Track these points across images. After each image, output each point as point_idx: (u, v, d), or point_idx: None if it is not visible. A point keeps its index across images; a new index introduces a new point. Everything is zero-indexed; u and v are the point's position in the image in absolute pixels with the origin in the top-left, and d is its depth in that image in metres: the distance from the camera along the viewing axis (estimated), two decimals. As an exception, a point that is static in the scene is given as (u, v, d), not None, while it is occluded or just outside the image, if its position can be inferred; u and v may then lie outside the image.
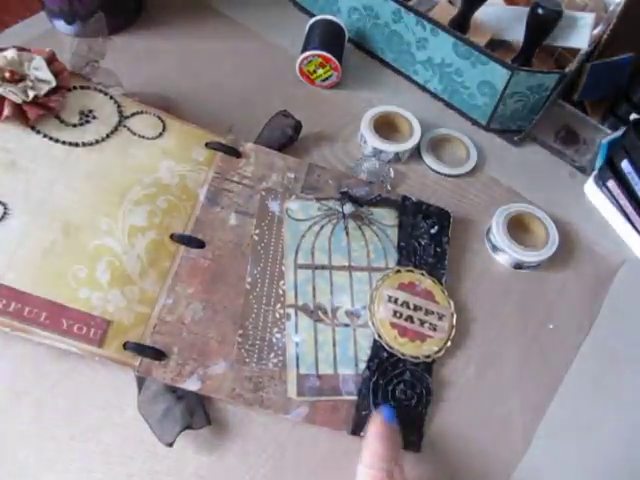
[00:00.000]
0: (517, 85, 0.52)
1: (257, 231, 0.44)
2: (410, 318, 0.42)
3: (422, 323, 0.42)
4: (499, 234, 0.48)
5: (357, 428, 0.38)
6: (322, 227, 0.45)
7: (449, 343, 0.42)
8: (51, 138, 0.42)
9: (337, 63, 0.56)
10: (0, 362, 0.38)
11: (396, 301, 0.43)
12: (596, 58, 0.57)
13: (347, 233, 0.45)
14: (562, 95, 0.58)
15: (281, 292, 0.42)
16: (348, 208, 0.47)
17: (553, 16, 0.52)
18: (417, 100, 0.59)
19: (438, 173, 0.54)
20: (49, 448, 0.36)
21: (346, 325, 0.42)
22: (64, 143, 0.42)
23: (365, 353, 0.41)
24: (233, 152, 0.47)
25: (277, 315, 0.41)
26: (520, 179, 0.54)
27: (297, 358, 0.40)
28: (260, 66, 0.59)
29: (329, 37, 0.58)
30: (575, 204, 0.54)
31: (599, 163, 0.54)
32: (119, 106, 0.45)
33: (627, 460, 0.41)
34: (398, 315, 0.42)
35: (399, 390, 0.40)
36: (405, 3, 0.55)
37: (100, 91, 0.45)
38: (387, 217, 0.47)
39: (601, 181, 0.53)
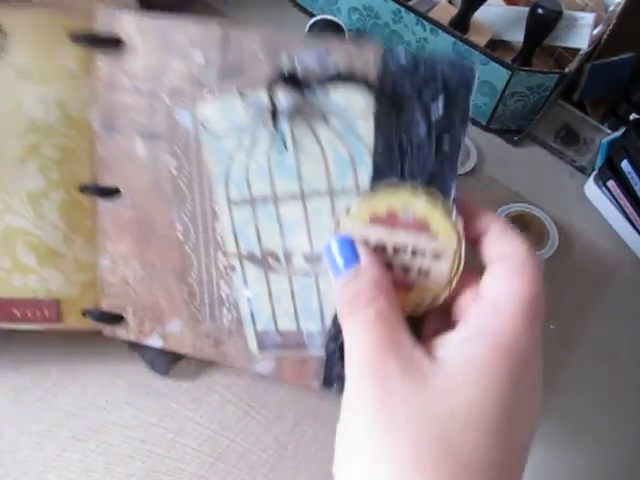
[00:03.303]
0: (517, 85, 0.52)
1: (173, 161, 0.32)
2: (388, 265, 0.28)
3: (406, 271, 0.28)
4: (499, 234, 0.48)
5: (327, 382, 0.34)
6: (256, 138, 0.30)
7: (453, 285, 0.28)
8: None
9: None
10: (0, 362, 0.38)
11: (366, 243, 0.28)
12: (596, 58, 0.57)
13: (285, 143, 0.30)
14: (562, 95, 0.58)
15: (219, 239, 0.33)
16: (286, 99, 0.29)
17: (553, 16, 0.52)
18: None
19: (438, 173, 0.54)
20: (49, 448, 0.36)
21: (306, 273, 0.32)
22: None
23: (333, 305, 0.32)
24: (111, 41, 0.31)
25: (220, 267, 0.34)
26: (520, 179, 0.54)
27: (252, 315, 0.34)
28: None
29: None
30: (575, 204, 0.54)
31: (599, 163, 0.54)
32: None
33: (627, 461, 0.41)
34: None
35: None
36: (405, 3, 0.55)
37: None
38: (355, 104, 0.29)
39: (601, 181, 0.53)
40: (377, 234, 0.28)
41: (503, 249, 0.26)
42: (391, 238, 0.28)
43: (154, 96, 0.31)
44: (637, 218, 0.50)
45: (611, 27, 0.56)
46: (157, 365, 0.38)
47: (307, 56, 0.28)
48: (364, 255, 0.26)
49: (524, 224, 0.50)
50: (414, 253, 0.28)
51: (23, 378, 0.38)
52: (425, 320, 0.29)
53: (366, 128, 0.29)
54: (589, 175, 0.55)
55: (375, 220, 0.28)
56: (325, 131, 0.29)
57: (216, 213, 0.32)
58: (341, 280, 0.26)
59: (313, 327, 0.33)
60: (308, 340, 0.34)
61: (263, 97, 0.29)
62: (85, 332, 0.36)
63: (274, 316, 0.34)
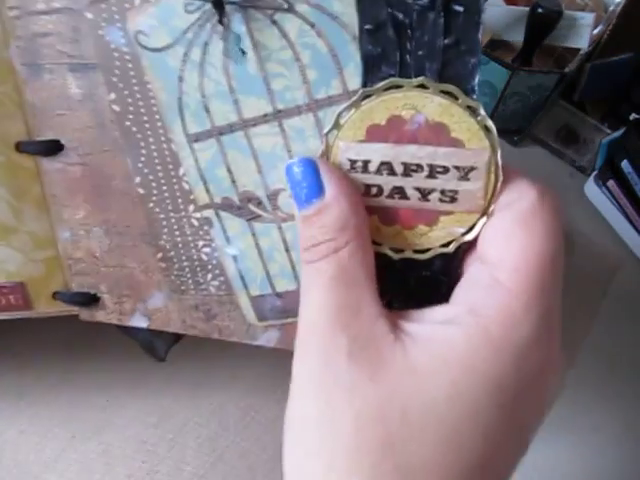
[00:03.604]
0: (517, 85, 0.52)
1: (112, 96, 0.26)
2: (399, 192, 0.22)
3: (424, 197, 0.21)
4: (499, 234, 0.48)
5: None
6: (206, 46, 0.24)
7: (490, 209, 0.21)
8: None
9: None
10: (0, 361, 0.38)
11: (366, 166, 0.21)
12: (596, 58, 0.57)
13: (240, 47, 0.23)
14: (562, 95, 0.58)
15: (186, 187, 0.27)
16: None
17: (553, 16, 0.52)
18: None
19: (438, 173, 0.54)
20: (49, 448, 0.36)
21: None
22: None
23: None
24: None
25: (194, 222, 0.28)
26: (520, 179, 0.54)
27: (241, 277, 0.29)
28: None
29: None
30: (575, 204, 0.54)
31: (599, 163, 0.54)
32: None
33: (627, 461, 0.41)
34: (375, 191, 0.22)
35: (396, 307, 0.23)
36: (405, 3, 0.55)
37: None
38: None
39: (601, 181, 0.53)
40: (379, 152, 0.21)
41: (509, 195, 0.20)
42: (398, 154, 0.21)
43: (76, 14, 0.25)
44: (637, 218, 0.50)
45: (611, 27, 0.56)
46: (154, 347, 0.34)
47: None
48: (330, 186, 0.20)
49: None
50: (432, 172, 0.21)
51: (23, 378, 0.38)
52: (463, 262, 0.22)
53: (347, 4, 0.21)
54: (589, 175, 0.55)
55: (374, 133, 0.21)
56: (292, 21, 0.22)
57: (176, 155, 0.27)
58: (301, 215, 0.20)
59: None
60: None
61: None
62: (59, 317, 0.33)
63: (269, 276, 0.28)
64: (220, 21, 0.23)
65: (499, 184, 0.21)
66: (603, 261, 0.50)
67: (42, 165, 0.29)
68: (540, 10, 0.51)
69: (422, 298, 0.21)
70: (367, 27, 0.21)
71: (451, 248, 0.22)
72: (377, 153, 0.21)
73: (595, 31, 0.57)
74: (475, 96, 0.21)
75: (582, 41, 0.56)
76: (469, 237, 0.21)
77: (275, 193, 0.26)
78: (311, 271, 0.20)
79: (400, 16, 0.20)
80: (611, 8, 0.58)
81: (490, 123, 0.20)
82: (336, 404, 0.18)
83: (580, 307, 0.47)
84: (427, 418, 0.17)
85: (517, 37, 0.57)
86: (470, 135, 0.20)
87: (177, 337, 0.33)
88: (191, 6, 0.23)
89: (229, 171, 0.26)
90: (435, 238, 0.22)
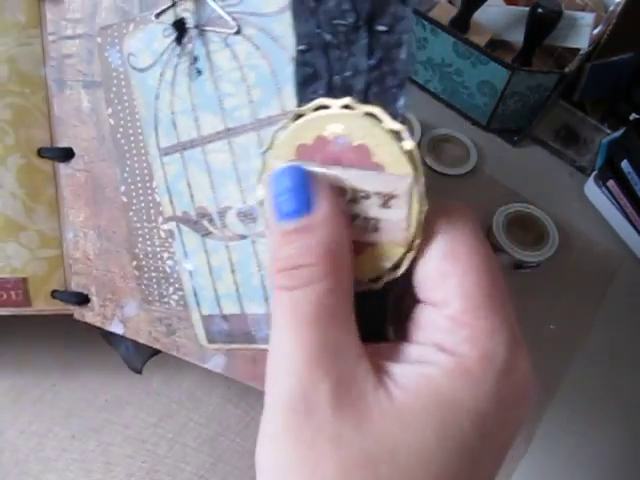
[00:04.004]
0: (517, 85, 0.52)
1: (109, 110, 0.29)
2: None
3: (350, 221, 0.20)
4: (499, 234, 0.48)
5: None
6: (176, 67, 0.26)
7: (416, 243, 0.19)
8: None
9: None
10: (0, 361, 0.38)
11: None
12: (596, 58, 0.57)
13: (196, 63, 0.25)
14: (562, 95, 0.58)
15: (157, 199, 0.29)
16: (194, 8, 0.25)
17: (553, 16, 0.52)
18: (417, 100, 0.59)
19: (438, 173, 0.54)
20: (49, 448, 0.36)
21: (242, 237, 0.27)
22: None
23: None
24: None
25: (162, 234, 0.29)
26: (520, 179, 0.54)
27: (195, 294, 0.29)
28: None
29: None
30: (575, 204, 0.54)
31: (599, 163, 0.54)
32: None
33: (627, 461, 0.41)
34: None
35: None
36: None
37: None
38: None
39: (601, 181, 0.53)
40: None
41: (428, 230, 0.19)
42: (324, 175, 0.19)
43: (90, 39, 0.29)
44: (637, 218, 0.50)
45: (611, 27, 0.56)
46: (132, 359, 0.35)
47: None
48: (322, 204, 0.18)
49: (524, 224, 0.50)
50: (355, 196, 0.19)
51: (23, 378, 0.38)
52: (394, 297, 0.21)
53: (286, 26, 0.22)
54: (589, 175, 0.55)
55: (303, 153, 0.20)
56: (242, 44, 0.24)
57: (151, 167, 0.28)
58: (280, 228, 0.18)
59: (257, 309, 0.27)
60: (253, 327, 0.28)
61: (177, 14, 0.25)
62: (55, 316, 0.34)
63: (217, 296, 0.28)
64: (178, 41, 0.25)
65: (423, 213, 0.19)
66: (603, 261, 0.50)
67: (58, 169, 0.32)
68: (540, 10, 0.51)
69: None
70: (300, 48, 0.21)
71: (379, 284, 0.20)
72: None
73: (595, 31, 0.57)
74: (400, 119, 0.19)
75: (582, 41, 0.56)
76: (397, 274, 0.20)
77: (224, 210, 0.27)
78: (285, 300, 0.17)
79: (328, 37, 0.20)
80: (611, 8, 0.58)
81: (415, 150, 0.19)
82: (320, 450, 0.16)
83: (580, 307, 0.47)
84: (417, 458, 0.16)
85: (517, 37, 0.57)
86: (392, 160, 0.19)
87: (155, 351, 0.34)
88: (167, 31, 0.26)
89: (189, 185, 0.27)
90: (362, 271, 0.20)
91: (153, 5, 0.26)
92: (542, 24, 0.53)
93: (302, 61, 0.21)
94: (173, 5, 0.25)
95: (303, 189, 0.18)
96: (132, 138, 0.29)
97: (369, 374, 0.17)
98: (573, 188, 0.55)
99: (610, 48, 0.57)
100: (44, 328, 0.38)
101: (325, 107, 0.20)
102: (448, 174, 0.53)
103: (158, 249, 0.30)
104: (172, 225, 0.29)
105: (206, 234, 0.28)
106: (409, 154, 0.19)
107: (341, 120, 0.19)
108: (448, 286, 0.18)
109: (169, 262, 0.30)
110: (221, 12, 0.24)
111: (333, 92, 0.21)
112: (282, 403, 0.17)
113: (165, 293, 0.30)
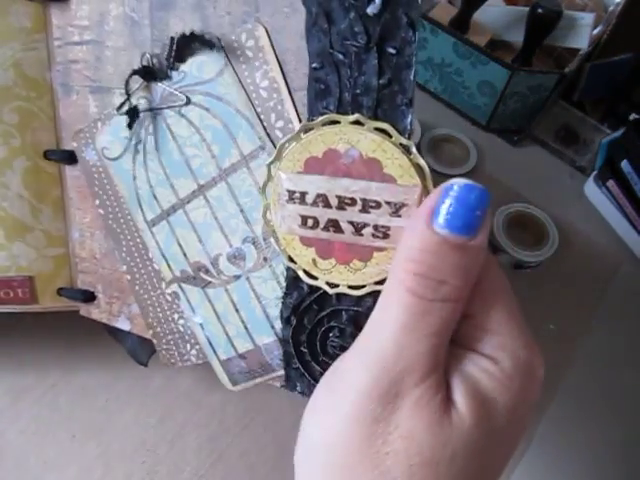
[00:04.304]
0: (517, 85, 0.52)
1: (97, 202, 0.33)
2: (334, 224, 0.22)
3: (358, 229, 0.22)
4: (499, 234, 0.48)
5: (289, 383, 0.30)
6: (144, 146, 0.30)
7: None
8: None
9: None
10: (0, 361, 0.38)
11: (303, 197, 0.22)
12: (596, 58, 0.57)
13: (153, 141, 0.29)
14: (562, 95, 0.58)
15: (156, 267, 0.32)
16: (148, 94, 0.29)
17: (553, 16, 0.52)
18: (417, 100, 0.59)
19: (438, 173, 0.54)
20: (49, 448, 0.36)
21: (237, 277, 0.29)
22: None
23: (276, 306, 0.28)
24: None
25: (168, 298, 0.32)
26: (520, 179, 0.54)
27: (210, 343, 0.31)
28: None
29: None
30: (575, 204, 0.54)
31: (599, 163, 0.54)
32: None
33: (626, 461, 0.41)
34: (311, 223, 0.22)
35: (332, 341, 0.26)
36: (405, 3, 0.55)
37: None
38: (207, 68, 0.27)
39: (601, 181, 0.53)
40: (315, 184, 0.21)
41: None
42: (333, 187, 0.21)
43: (98, 45, 0.31)
44: (637, 218, 0.50)
45: (611, 27, 0.56)
46: (138, 353, 0.36)
47: None
48: (484, 231, 0.18)
49: (524, 224, 0.50)
50: (365, 206, 0.21)
51: (23, 378, 0.38)
52: None
53: (226, 85, 0.26)
54: (589, 175, 0.55)
55: (311, 165, 0.21)
56: (193, 111, 0.28)
57: (144, 241, 0.31)
58: (438, 236, 0.18)
59: (267, 339, 0.30)
60: (268, 355, 0.30)
61: (132, 100, 0.29)
62: (56, 316, 0.35)
63: (229, 339, 0.31)
64: (130, 125, 0.29)
65: None
66: (603, 261, 0.50)
67: (64, 171, 0.34)
68: (540, 10, 0.51)
69: (353, 334, 0.23)
70: (313, 65, 0.23)
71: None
72: (313, 185, 0.22)
73: (595, 31, 0.57)
74: (407, 135, 0.21)
75: (582, 41, 0.56)
76: None
77: (216, 258, 0.29)
78: (414, 304, 0.18)
79: (340, 56, 0.22)
80: (611, 8, 0.58)
81: (422, 162, 0.21)
82: (392, 445, 0.18)
83: (580, 307, 0.47)
84: (470, 460, 0.18)
85: (517, 37, 0.57)
86: (402, 172, 0.21)
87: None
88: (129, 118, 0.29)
89: (180, 246, 0.30)
90: (369, 274, 0.22)
91: (163, 9, 0.28)
92: (542, 24, 0.53)
93: (315, 77, 0.23)
94: (128, 98, 0.28)
95: (482, 213, 0.18)
96: (122, 220, 0.32)
97: (445, 386, 0.19)
98: (573, 188, 0.55)
99: (610, 48, 0.57)
100: (45, 329, 0.38)
101: (335, 122, 0.21)
102: (448, 174, 0.53)
103: (168, 312, 0.32)
104: (174, 287, 0.32)
105: (205, 285, 0.30)
106: (416, 164, 0.20)
107: (352, 135, 0.21)
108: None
109: (180, 321, 0.32)
110: (170, 90, 0.28)
111: (343, 108, 0.22)
112: (376, 389, 0.18)
113: (184, 352, 0.33)
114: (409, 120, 0.21)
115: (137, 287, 0.33)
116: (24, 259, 0.34)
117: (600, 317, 0.47)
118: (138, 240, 0.32)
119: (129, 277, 0.33)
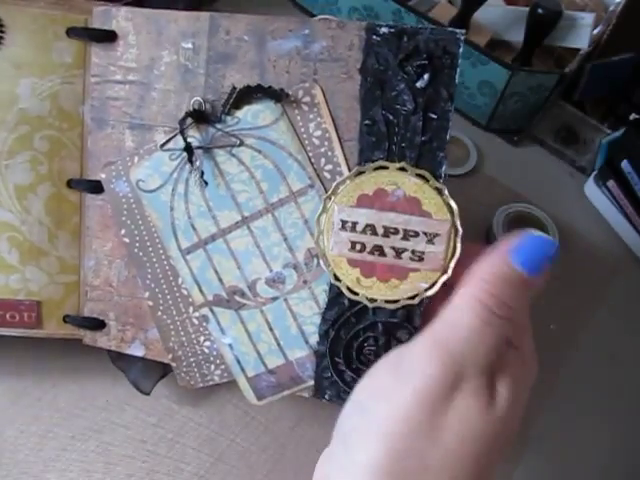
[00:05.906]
0: (517, 85, 0.52)
1: (123, 231, 0.34)
2: (379, 249, 0.28)
3: (399, 253, 0.27)
4: (499, 234, 0.48)
5: (319, 391, 0.32)
6: (187, 181, 0.32)
7: (449, 270, 0.27)
8: None
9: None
10: (0, 362, 0.38)
11: (354, 227, 0.28)
12: (596, 58, 0.57)
13: (203, 178, 0.31)
14: (562, 95, 0.58)
15: (185, 292, 0.33)
16: (199, 135, 0.31)
17: (553, 16, 0.52)
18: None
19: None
20: (49, 448, 0.36)
21: (274, 298, 0.32)
22: None
23: (312, 323, 0.31)
24: (106, 35, 0.32)
25: (194, 321, 0.33)
26: (520, 179, 0.54)
27: (238, 362, 0.33)
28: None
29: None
30: (575, 204, 0.54)
31: (599, 163, 0.54)
32: None
33: (627, 460, 0.41)
34: (359, 247, 0.28)
35: (367, 350, 0.30)
36: (405, 3, 0.55)
37: None
38: (263, 115, 0.30)
39: (601, 181, 0.53)
40: (365, 215, 0.27)
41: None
42: (380, 219, 0.27)
43: (143, 86, 0.32)
44: (637, 218, 0.50)
45: (611, 27, 0.56)
46: (141, 383, 0.37)
47: (291, 40, 0.29)
48: (545, 272, 0.25)
49: (524, 224, 0.50)
50: (406, 235, 0.27)
51: (23, 378, 0.38)
52: (425, 311, 0.28)
53: (281, 132, 0.30)
54: (589, 175, 0.55)
55: (363, 201, 0.27)
56: (245, 152, 0.31)
57: (174, 268, 0.33)
58: (514, 272, 0.24)
59: (300, 353, 0.32)
60: (300, 369, 0.32)
61: (180, 141, 0.31)
62: (63, 339, 0.36)
63: (260, 356, 0.33)
64: (190, 160, 0.31)
65: (458, 250, 0.27)
66: (603, 261, 0.51)
67: (86, 200, 0.35)
68: (540, 10, 0.51)
69: (388, 341, 0.29)
70: (366, 122, 0.28)
71: (416, 300, 0.28)
72: (363, 216, 0.27)
73: (595, 31, 0.57)
74: (442, 180, 0.27)
75: (582, 41, 0.56)
76: (431, 292, 0.27)
77: (254, 283, 0.32)
78: (487, 316, 0.23)
79: (390, 117, 0.28)
80: (611, 8, 0.58)
81: (452, 203, 0.27)
82: (449, 423, 0.22)
83: (580, 307, 0.47)
84: (509, 439, 0.24)
85: (517, 37, 0.57)
86: (437, 209, 0.27)
87: (163, 374, 0.36)
88: (173, 155, 0.32)
89: (216, 272, 0.32)
90: (404, 291, 0.28)
91: (221, 62, 0.30)
92: (542, 24, 0.53)
93: (367, 132, 0.28)
94: (183, 136, 0.30)
95: (549, 262, 0.24)
96: (150, 249, 0.33)
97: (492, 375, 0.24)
98: (573, 188, 0.55)
99: (610, 48, 0.57)
100: (44, 328, 0.38)
101: (384, 167, 0.27)
102: (448, 174, 0.53)
103: (193, 335, 0.34)
104: (205, 310, 0.33)
105: (239, 307, 0.32)
106: (447, 203, 0.27)
107: (398, 178, 0.27)
108: None
109: (207, 343, 0.33)
110: (224, 132, 0.30)
111: (391, 157, 0.28)
112: (444, 375, 0.22)
113: (207, 372, 0.34)
114: (443, 169, 0.27)
115: (160, 313, 0.34)
116: (35, 284, 0.34)
117: (600, 317, 0.47)
118: (167, 267, 0.33)
119: (151, 303, 0.34)
